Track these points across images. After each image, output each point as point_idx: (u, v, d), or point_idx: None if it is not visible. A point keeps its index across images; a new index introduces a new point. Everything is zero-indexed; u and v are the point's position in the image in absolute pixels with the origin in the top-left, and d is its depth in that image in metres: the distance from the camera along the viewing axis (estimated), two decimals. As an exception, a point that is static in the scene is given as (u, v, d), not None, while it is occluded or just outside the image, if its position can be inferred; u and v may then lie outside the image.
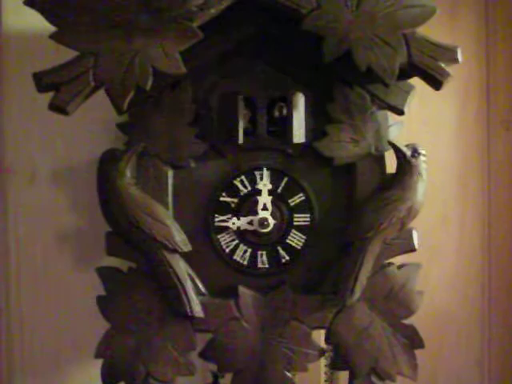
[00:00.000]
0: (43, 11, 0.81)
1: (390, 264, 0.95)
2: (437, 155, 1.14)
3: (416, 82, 0.87)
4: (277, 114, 0.96)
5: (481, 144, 1.17)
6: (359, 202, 0.94)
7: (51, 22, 0.81)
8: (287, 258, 0.97)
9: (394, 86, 0.90)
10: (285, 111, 0.94)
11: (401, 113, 0.93)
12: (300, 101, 0.94)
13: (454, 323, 1.18)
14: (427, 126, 1.15)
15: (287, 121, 0.93)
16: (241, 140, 0.93)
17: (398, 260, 0.96)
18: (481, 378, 1.19)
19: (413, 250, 0.94)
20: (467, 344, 1.19)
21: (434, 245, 1.16)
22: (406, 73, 0.84)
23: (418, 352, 0.95)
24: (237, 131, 0.92)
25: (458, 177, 1.17)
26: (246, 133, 0.94)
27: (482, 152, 1.17)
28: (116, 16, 0.81)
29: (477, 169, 1.17)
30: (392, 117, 0.94)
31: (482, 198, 1.18)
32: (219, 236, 0.97)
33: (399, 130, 0.95)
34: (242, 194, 0.96)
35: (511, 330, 1.19)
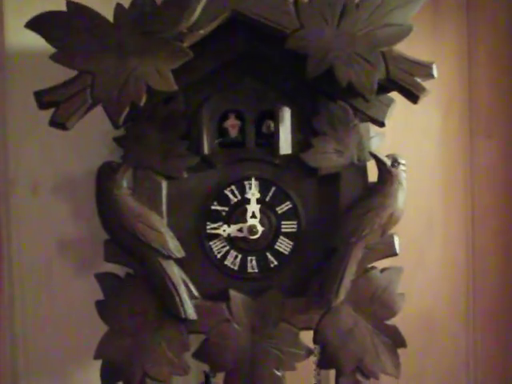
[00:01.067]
0: (43, 34, 0.84)
1: (372, 268, 0.97)
2: (421, 164, 1.17)
3: (398, 94, 0.89)
4: (265, 130, 0.98)
5: (463, 152, 1.18)
6: (343, 210, 0.95)
7: (51, 43, 0.84)
8: (275, 262, 0.99)
9: (375, 99, 0.93)
10: (272, 127, 0.97)
11: (381, 125, 0.95)
12: (286, 114, 0.96)
13: (440, 325, 1.20)
14: (411, 136, 1.17)
15: (274, 133, 0.95)
16: (206, 150, 0.95)
17: (383, 264, 0.98)
18: (467, 380, 1.21)
19: (394, 254, 0.96)
20: (453, 346, 1.20)
21: (420, 249, 1.18)
22: (385, 87, 0.87)
23: (403, 354, 0.97)
24: (206, 142, 0.95)
25: (442, 184, 1.19)
26: (236, 145, 0.97)
27: (465, 159, 1.19)
28: (111, 37, 0.83)
29: (460, 176, 1.19)
30: (374, 128, 0.97)
31: (466, 203, 1.19)
32: (211, 242, 0.99)
33: (381, 140, 0.98)
34: (232, 202, 0.98)
35: (496, 333, 1.20)
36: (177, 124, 0.96)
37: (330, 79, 0.84)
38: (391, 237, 0.96)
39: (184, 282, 0.96)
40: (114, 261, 0.97)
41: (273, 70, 0.96)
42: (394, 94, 0.90)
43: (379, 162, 0.94)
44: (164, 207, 0.97)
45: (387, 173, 0.94)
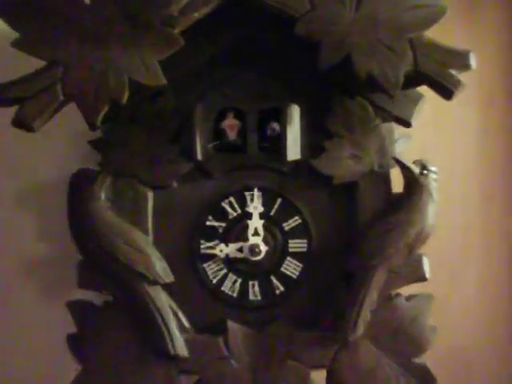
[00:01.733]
0: (3, 14, 0.81)
1: (397, 295, 0.96)
2: (455, 170, 1.17)
3: (428, 88, 0.87)
4: (269, 132, 0.98)
5: (506, 156, 1.19)
6: (362, 226, 0.95)
7: (13, 26, 0.81)
8: (282, 288, 0.99)
9: (400, 95, 0.92)
10: (278, 129, 0.96)
11: (408, 125, 0.94)
12: (295, 113, 0.96)
13: (478, 363, 1.19)
14: (443, 138, 1.18)
15: (281, 136, 0.95)
16: (199, 157, 0.94)
17: (410, 291, 0.97)
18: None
19: (423, 278, 0.95)
20: (493, 387, 1.14)
21: (454, 273, 1.18)
22: (412, 81, 0.85)
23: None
24: (199, 146, 0.95)
25: (482, 193, 1.19)
26: (235, 149, 0.97)
27: (509, 166, 1.19)
28: (86, 21, 0.82)
29: (502, 185, 1.20)
30: (399, 129, 0.96)
31: (509, 218, 1.20)
32: (205, 265, 0.98)
33: (407, 144, 0.97)
34: (230, 217, 0.98)
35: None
36: (165, 125, 0.96)
37: (346, 71, 0.83)
38: (420, 258, 0.95)
39: (173, 311, 0.96)
40: (90, 287, 0.96)
41: (279, 61, 0.96)
42: (424, 89, 0.89)
43: (405, 170, 0.94)
44: (150, 223, 0.97)
45: (415, 182, 0.94)
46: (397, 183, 0.96)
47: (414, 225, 0.93)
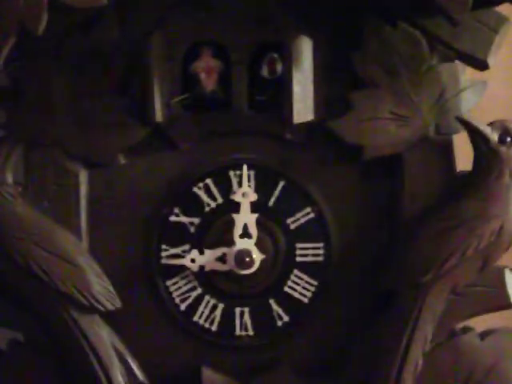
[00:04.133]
0: None
1: (466, 330, 0.84)
2: None
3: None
4: (266, 73, 0.85)
5: None
6: (408, 223, 0.83)
7: None
8: (286, 318, 0.85)
9: (470, 20, 0.77)
10: (279, 68, 0.84)
11: (483, 66, 0.80)
12: (305, 50, 0.83)
13: None
14: None
15: (284, 84, 0.83)
16: (159, 117, 0.83)
17: (486, 324, 0.86)
18: None
19: (508, 305, 0.83)
20: None
21: None
22: None
23: None
24: (159, 102, 0.82)
25: None
26: (214, 106, 0.85)
27: None
28: None
29: None
30: (467, 73, 0.84)
31: None
32: (169, 282, 0.85)
33: (480, 96, 0.84)
34: (206, 209, 0.85)
35: None
36: (105, 68, 0.82)
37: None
38: (500, 273, 0.83)
39: (119, 353, 0.83)
40: None
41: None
42: (508, 9, 0.77)
43: (477, 136, 0.81)
44: (83, 218, 0.84)
45: (492, 155, 0.80)
46: (463, 157, 0.83)
47: (489, 220, 0.79)
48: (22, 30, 0.71)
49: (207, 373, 0.84)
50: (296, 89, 0.81)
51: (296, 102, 0.82)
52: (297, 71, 0.82)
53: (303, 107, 0.83)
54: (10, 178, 0.81)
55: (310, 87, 0.83)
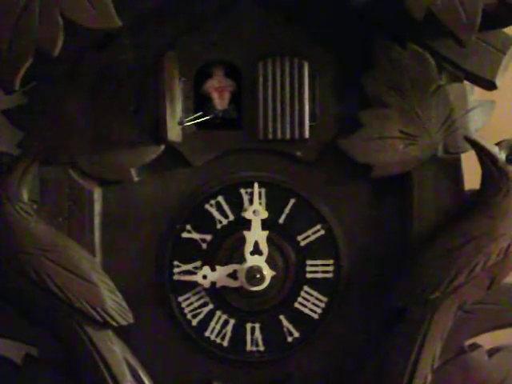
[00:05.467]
0: None
1: (474, 347, 0.85)
2: None
3: None
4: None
5: None
6: (417, 240, 0.84)
7: None
8: (296, 334, 0.86)
9: (478, 41, 0.80)
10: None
11: (490, 86, 0.82)
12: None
13: None
14: None
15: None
16: (171, 136, 0.83)
17: (495, 341, 0.87)
18: None
19: None
20: None
21: None
22: (497, 18, 0.76)
23: None
24: (171, 121, 0.82)
25: None
26: (225, 125, 0.85)
27: None
28: None
29: None
30: (475, 94, 0.85)
31: None
32: (181, 298, 0.86)
33: (488, 116, 0.85)
34: (218, 226, 0.86)
35: None
36: (119, 87, 0.83)
37: (395, 7, 0.75)
38: (509, 290, 0.84)
39: (131, 368, 0.84)
40: (5, 333, 0.86)
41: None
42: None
43: (485, 155, 0.82)
44: (97, 235, 0.85)
45: (500, 174, 0.81)
46: (471, 175, 0.84)
47: (497, 239, 0.80)
48: (38, 51, 0.72)
49: (218, 387, 0.88)
50: (307, 106, 0.82)
51: (306, 119, 0.82)
52: (307, 89, 0.82)
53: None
54: (25, 195, 0.82)
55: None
